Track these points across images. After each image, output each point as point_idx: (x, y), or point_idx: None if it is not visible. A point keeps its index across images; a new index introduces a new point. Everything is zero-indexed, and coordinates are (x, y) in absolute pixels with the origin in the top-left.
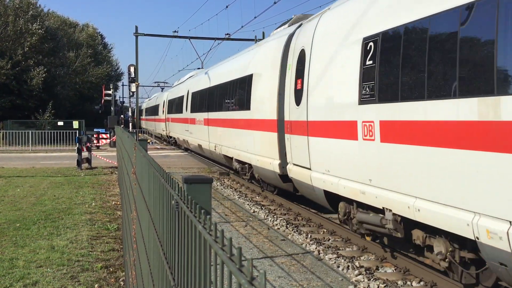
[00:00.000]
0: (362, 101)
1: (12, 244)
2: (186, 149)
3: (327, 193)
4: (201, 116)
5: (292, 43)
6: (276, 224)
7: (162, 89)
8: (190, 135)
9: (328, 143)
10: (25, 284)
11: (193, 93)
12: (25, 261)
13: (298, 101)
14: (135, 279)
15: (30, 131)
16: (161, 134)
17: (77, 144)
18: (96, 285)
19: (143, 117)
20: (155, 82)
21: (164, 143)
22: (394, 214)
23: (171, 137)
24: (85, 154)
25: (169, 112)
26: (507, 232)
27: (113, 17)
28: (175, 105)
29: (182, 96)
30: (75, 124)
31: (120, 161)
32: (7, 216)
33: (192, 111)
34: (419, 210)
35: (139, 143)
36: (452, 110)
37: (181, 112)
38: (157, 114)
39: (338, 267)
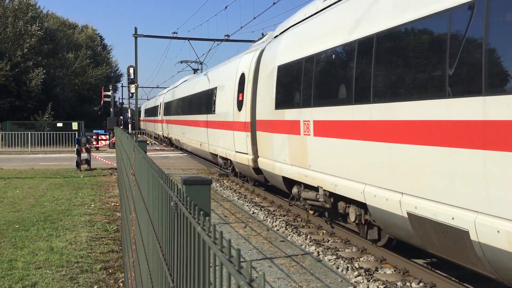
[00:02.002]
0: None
1: (11, 245)
2: (182, 149)
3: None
4: None
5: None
6: (276, 225)
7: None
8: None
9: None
10: (24, 286)
11: None
12: (24, 262)
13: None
14: (134, 280)
15: (29, 132)
16: (221, 167)
17: (76, 145)
18: (95, 286)
19: (160, 118)
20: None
21: (164, 144)
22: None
23: (299, 183)
24: (84, 155)
25: (283, 103)
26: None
27: (112, 18)
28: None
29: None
30: (74, 125)
31: (119, 162)
32: (6, 217)
33: None
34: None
35: (138, 144)
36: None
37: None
38: (210, 111)
39: (338, 268)
